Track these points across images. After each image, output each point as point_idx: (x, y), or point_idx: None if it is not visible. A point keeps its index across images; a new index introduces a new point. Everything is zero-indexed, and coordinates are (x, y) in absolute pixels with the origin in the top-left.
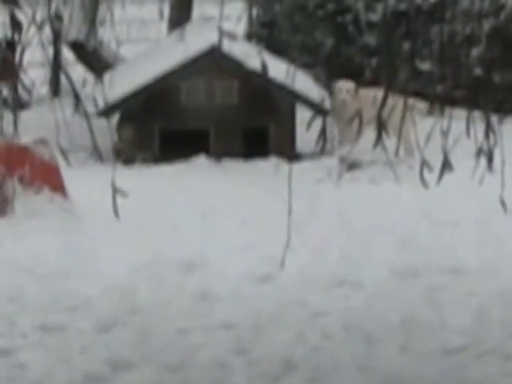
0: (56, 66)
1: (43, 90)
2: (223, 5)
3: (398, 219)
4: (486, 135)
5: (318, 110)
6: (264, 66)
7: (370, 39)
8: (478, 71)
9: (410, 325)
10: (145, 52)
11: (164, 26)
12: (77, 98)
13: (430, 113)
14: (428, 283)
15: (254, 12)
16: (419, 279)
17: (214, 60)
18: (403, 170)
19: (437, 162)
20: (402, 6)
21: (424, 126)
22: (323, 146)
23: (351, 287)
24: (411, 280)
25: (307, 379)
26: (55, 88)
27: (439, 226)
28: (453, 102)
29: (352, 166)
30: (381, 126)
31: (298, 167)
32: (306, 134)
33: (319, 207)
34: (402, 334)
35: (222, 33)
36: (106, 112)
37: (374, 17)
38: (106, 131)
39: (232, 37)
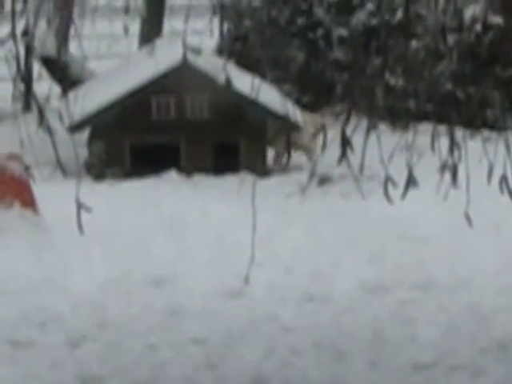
0: (27, 80)
1: (18, 105)
2: (188, 19)
3: (368, 234)
4: (451, 150)
5: (290, 125)
6: (228, 81)
7: (341, 54)
8: (448, 86)
9: (380, 340)
10: (115, 67)
11: (135, 40)
12: (41, 113)
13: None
14: (398, 298)
15: (225, 27)
16: (389, 294)
17: (184, 75)
18: (374, 185)
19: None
20: (373, 22)
21: (389, 141)
22: (288, 160)
23: (321, 302)
24: (381, 295)
25: None
26: (26, 103)
27: (409, 241)
28: (421, 117)
29: (322, 180)
30: (345, 142)
31: (268, 182)
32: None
33: (289, 222)
34: (372, 349)
35: (186, 48)
36: (75, 127)
37: (345, 32)
38: (77, 146)
39: (196, 51)
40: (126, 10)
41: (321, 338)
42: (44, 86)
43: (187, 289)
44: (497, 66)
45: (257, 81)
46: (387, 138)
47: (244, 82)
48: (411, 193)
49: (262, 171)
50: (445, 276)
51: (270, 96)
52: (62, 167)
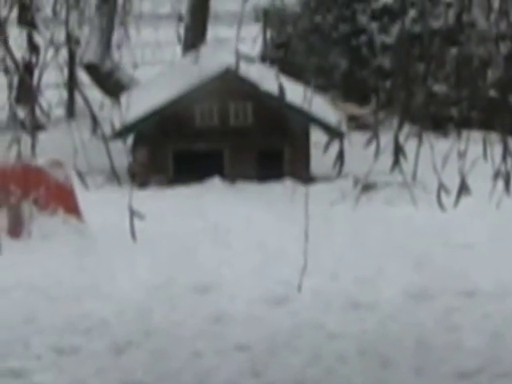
0: (71, 87)
1: (58, 111)
2: (241, 27)
3: (412, 241)
4: (504, 158)
5: (334, 132)
6: (281, 89)
7: (384, 61)
8: (493, 93)
9: (425, 347)
10: (159, 74)
11: (179, 48)
12: (94, 120)
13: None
14: (443, 305)
15: (269, 34)
16: (434, 301)
17: (228, 82)
18: (418, 191)
19: (453, 184)
20: (417, 29)
21: (440, 148)
22: (340, 169)
23: (366, 309)
24: (426, 302)
25: None
26: (70, 110)
27: (454, 248)
28: (469, 125)
29: (367, 187)
30: (398, 150)
31: (312, 189)
32: (320, 155)
33: (334, 229)
34: (417, 356)
35: (239, 55)
36: (120, 134)
37: (388, 39)
38: (120, 153)
39: (249, 59)
40: (180, 18)
41: (365, 345)
42: (90, 93)
43: (231, 295)
44: None
45: (301, 88)
46: (434, 145)
47: (288, 89)
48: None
49: (306, 178)
50: (489, 283)
51: (313, 103)
52: (116, 175)
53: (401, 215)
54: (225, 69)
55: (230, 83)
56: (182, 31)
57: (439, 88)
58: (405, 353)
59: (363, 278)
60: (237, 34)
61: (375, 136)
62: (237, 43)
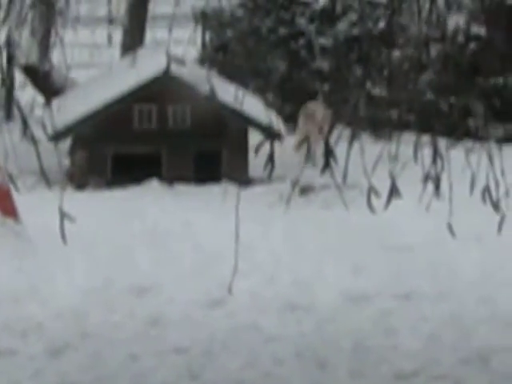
0: (9, 89)
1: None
2: (172, 29)
3: (350, 244)
4: (434, 160)
5: (272, 134)
6: (213, 92)
7: (323, 64)
8: (430, 96)
9: (363, 349)
10: (97, 76)
11: (117, 50)
12: (24, 123)
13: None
14: (380, 308)
15: (207, 36)
16: (371, 304)
17: (166, 85)
18: (355, 194)
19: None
20: (355, 32)
21: (371, 151)
22: (271, 171)
23: (303, 312)
24: (363, 304)
25: None
26: (8, 112)
27: (391, 251)
28: (403, 127)
29: (305, 190)
30: (328, 153)
31: (250, 191)
32: (259, 157)
33: (271, 231)
34: (354, 358)
35: (170, 57)
36: (58, 136)
37: (327, 42)
38: (60, 155)
39: (180, 62)
40: (110, 21)
41: (303, 347)
42: (27, 95)
43: (169, 298)
44: (479, 76)
45: (239, 91)
46: (369, 147)
47: (226, 91)
48: (394, 203)
49: (243, 180)
50: (426, 286)
51: (251, 105)
52: (46, 177)
53: (338, 218)
54: (163, 71)
55: (168, 86)
56: (119, 33)
57: (378, 91)
58: (342, 355)
59: (300, 281)
60: (168, 36)
61: (306, 139)
62: (168, 46)
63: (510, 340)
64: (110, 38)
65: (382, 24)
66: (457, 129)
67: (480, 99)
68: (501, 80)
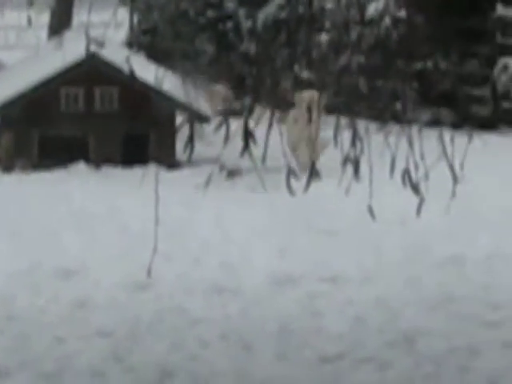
0: None
1: None
2: (91, 12)
3: (276, 227)
4: (353, 143)
5: (200, 117)
6: (132, 73)
7: (251, 47)
8: (355, 80)
9: (288, 332)
10: (24, 59)
11: (44, 32)
12: None
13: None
14: (306, 291)
15: (135, 19)
16: (297, 287)
17: (93, 67)
18: (281, 177)
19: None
20: (283, 15)
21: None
22: (190, 154)
23: (230, 294)
24: (290, 288)
25: None
26: None
27: (317, 235)
28: (330, 110)
29: (232, 173)
30: (247, 135)
31: (177, 174)
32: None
33: (198, 214)
34: (279, 341)
35: (89, 39)
36: None
37: (255, 25)
38: None
39: (99, 44)
40: (31, 2)
41: (228, 331)
42: None
43: (95, 281)
44: (405, 59)
45: (164, 72)
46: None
47: (153, 74)
48: (318, 186)
49: (171, 163)
50: (352, 269)
51: (179, 88)
52: None
53: (265, 201)
54: (90, 54)
55: (96, 68)
56: (46, 15)
57: (307, 74)
58: (267, 338)
59: (227, 264)
60: (87, 18)
61: (225, 121)
62: (87, 28)
63: (436, 322)
64: (30, 21)
65: (307, 7)
66: (383, 112)
67: (407, 83)
68: (428, 64)
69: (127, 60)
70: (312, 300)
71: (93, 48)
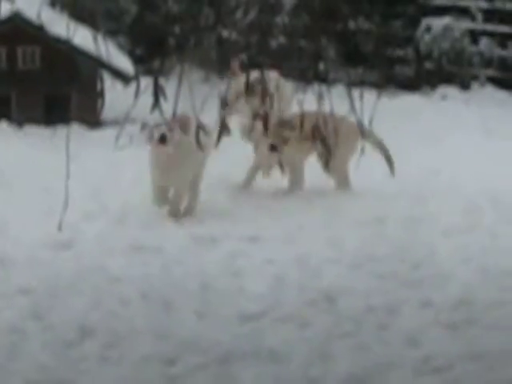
0: None
1: None
2: None
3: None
4: (262, 101)
5: (123, 77)
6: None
7: (174, 6)
8: (281, 39)
9: (208, 291)
10: None
11: None
12: None
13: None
14: (227, 250)
15: None
16: (218, 246)
17: (15, 25)
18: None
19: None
20: None
21: (202, 91)
22: (99, 112)
23: (150, 253)
24: (210, 246)
25: (103, 345)
26: None
27: (237, 193)
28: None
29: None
30: (157, 91)
31: (100, 134)
32: (111, 100)
33: (120, 174)
34: (199, 299)
35: None
36: None
37: None
38: None
39: (11, 1)
40: None
41: (149, 289)
42: None
43: (15, 239)
44: (331, 19)
45: (90, 33)
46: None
47: (77, 33)
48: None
49: (93, 122)
50: (272, 228)
51: (102, 48)
52: None
53: None
54: (13, 12)
55: (18, 27)
56: None
57: (229, 34)
58: (188, 296)
59: (148, 222)
60: None
61: (136, 78)
62: None
63: (357, 281)
64: None
65: None
66: (307, 72)
67: (331, 43)
68: (351, 24)
69: (38, 16)
70: (232, 259)
71: (5, 5)
